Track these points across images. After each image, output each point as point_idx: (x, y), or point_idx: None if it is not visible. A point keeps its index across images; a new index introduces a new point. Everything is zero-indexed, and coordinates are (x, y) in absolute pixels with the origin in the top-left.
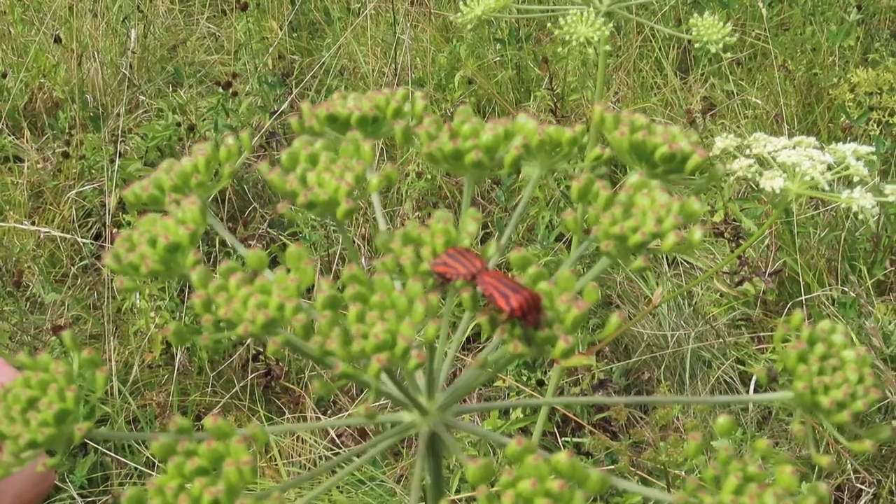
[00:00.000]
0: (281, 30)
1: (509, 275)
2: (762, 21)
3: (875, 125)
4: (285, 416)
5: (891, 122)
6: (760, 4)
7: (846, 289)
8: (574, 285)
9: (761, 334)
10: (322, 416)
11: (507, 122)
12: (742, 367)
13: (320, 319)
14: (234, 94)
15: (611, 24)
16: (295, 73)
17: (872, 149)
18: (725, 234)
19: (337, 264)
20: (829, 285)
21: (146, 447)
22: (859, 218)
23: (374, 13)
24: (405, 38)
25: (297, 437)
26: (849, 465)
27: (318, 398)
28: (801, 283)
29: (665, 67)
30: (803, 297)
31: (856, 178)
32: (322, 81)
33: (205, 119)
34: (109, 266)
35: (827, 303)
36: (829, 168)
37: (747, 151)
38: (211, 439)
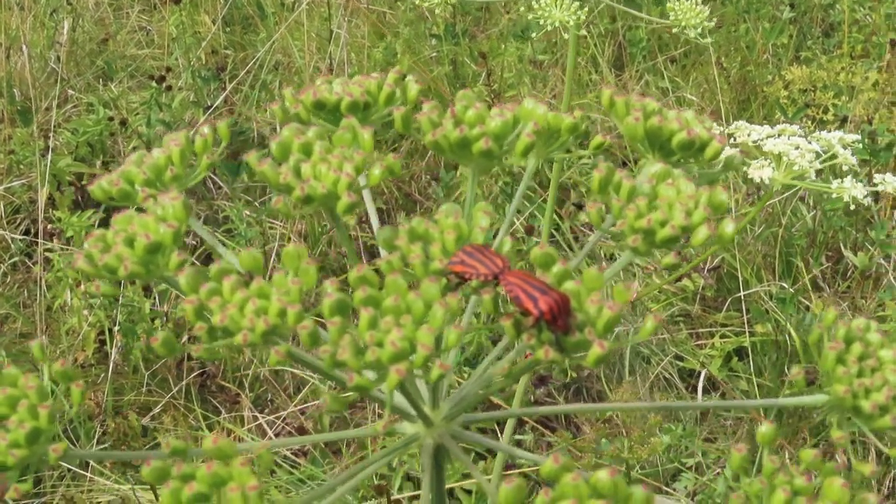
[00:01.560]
0: (214, 24)
1: (534, 274)
2: None
3: (810, 122)
4: (222, 416)
5: (825, 119)
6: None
7: (784, 284)
8: (602, 284)
9: (699, 330)
10: (259, 416)
11: (515, 107)
12: (680, 364)
13: (329, 327)
14: (168, 88)
15: (585, 9)
16: (229, 68)
17: (858, 137)
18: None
19: (273, 263)
20: (767, 281)
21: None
22: (851, 208)
23: (308, 8)
24: (341, 33)
25: (235, 437)
26: (787, 461)
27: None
28: (740, 280)
29: (600, 64)
30: (742, 293)
31: (845, 167)
32: (256, 76)
33: (137, 114)
34: (82, 268)
35: (766, 298)
36: (818, 157)
37: (731, 140)
38: (211, 461)
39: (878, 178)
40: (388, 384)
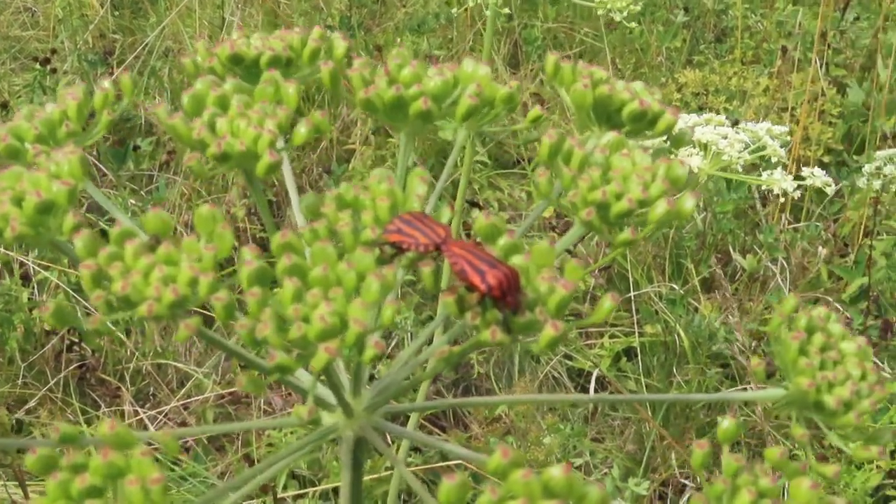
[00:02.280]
0: (102, 7)
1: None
2: (590, 20)
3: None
4: (101, 410)
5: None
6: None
7: (674, 286)
8: (553, 260)
9: (589, 329)
10: (140, 410)
11: (455, 68)
12: (570, 363)
13: (248, 299)
14: (54, 70)
15: None
16: (117, 53)
17: (786, 129)
18: (556, 230)
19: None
20: (657, 282)
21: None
22: (780, 201)
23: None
24: (234, 21)
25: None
26: (674, 460)
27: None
28: (630, 280)
29: (496, 62)
30: (632, 293)
31: (773, 159)
32: (146, 62)
33: (20, 96)
34: None
35: (655, 299)
36: (746, 147)
37: None
38: (106, 449)
39: (805, 171)
40: (316, 364)
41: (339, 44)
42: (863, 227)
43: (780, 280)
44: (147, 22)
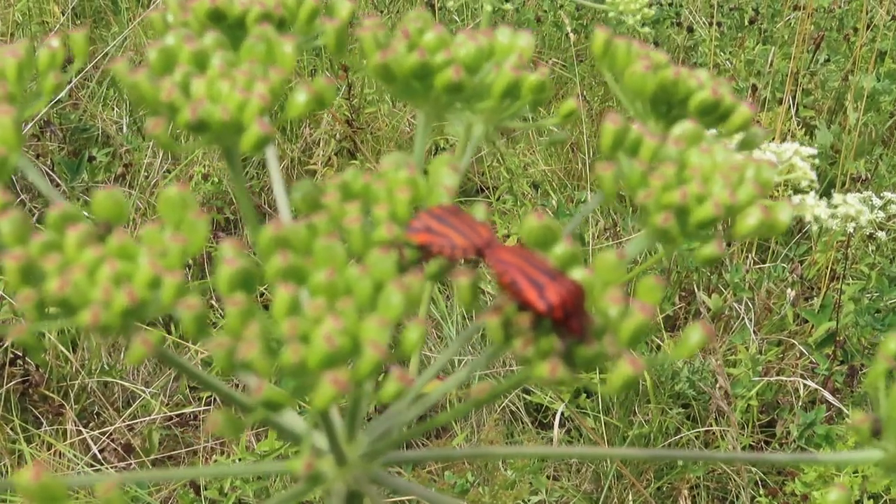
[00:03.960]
0: (63, 15)
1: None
2: (559, 50)
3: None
4: (43, 428)
5: None
6: (568, 28)
7: None
8: (624, 276)
9: None
10: (84, 430)
11: (490, 35)
12: (528, 397)
13: (227, 308)
14: None
15: None
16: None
17: (814, 151)
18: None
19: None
20: None
21: None
22: (813, 229)
23: (164, 4)
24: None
25: (56, 452)
26: (631, 500)
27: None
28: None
29: None
30: None
31: (804, 183)
32: (106, 72)
33: None
34: None
35: None
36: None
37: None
38: None
39: (837, 198)
40: (318, 401)
41: (345, 4)
42: (829, 270)
43: (745, 320)
44: (109, 32)
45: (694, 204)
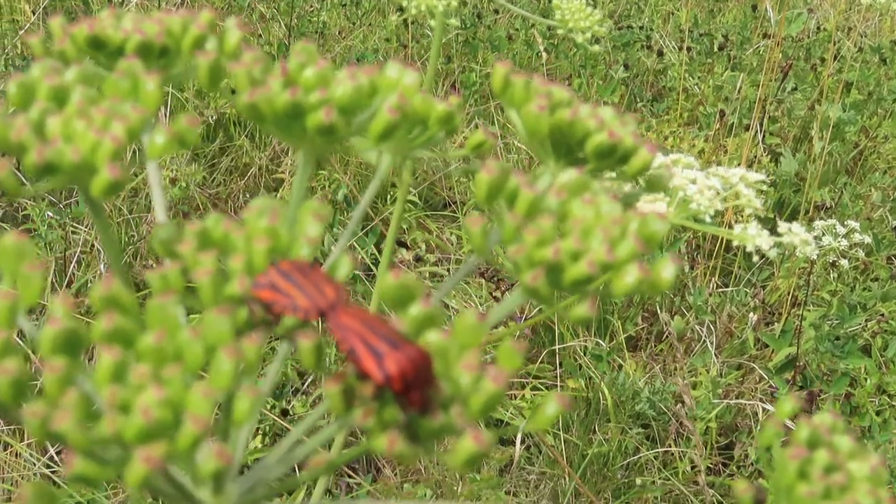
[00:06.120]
0: (34, 14)
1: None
2: (529, 68)
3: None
4: (0, 428)
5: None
6: (541, 47)
7: (601, 341)
8: (482, 340)
9: (511, 380)
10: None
11: (373, 72)
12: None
13: (46, 373)
14: None
15: None
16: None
17: (763, 177)
18: (486, 275)
19: (73, 274)
20: (583, 337)
21: None
22: (753, 260)
23: (138, 6)
24: None
25: (13, 451)
26: None
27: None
28: (556, 332)
29: (438, 88)
30: (557, 347)
31: (747, 211)
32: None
33: None
34: None
35: (581, 353)
36: (718, 195)
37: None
38: None
39: (783, 226)
40: (130, 479)
41: (233, 33)
42: (791, 296)
43: (707, 343)
44: None
45: (568, 261)
